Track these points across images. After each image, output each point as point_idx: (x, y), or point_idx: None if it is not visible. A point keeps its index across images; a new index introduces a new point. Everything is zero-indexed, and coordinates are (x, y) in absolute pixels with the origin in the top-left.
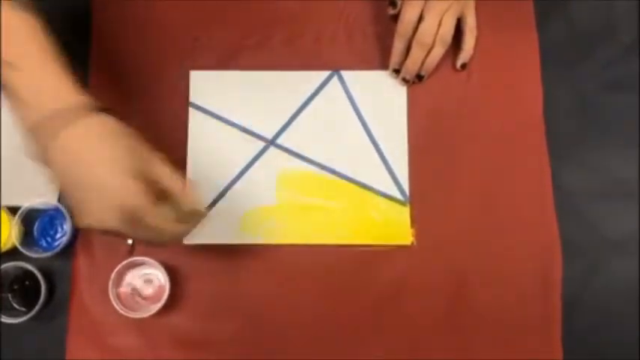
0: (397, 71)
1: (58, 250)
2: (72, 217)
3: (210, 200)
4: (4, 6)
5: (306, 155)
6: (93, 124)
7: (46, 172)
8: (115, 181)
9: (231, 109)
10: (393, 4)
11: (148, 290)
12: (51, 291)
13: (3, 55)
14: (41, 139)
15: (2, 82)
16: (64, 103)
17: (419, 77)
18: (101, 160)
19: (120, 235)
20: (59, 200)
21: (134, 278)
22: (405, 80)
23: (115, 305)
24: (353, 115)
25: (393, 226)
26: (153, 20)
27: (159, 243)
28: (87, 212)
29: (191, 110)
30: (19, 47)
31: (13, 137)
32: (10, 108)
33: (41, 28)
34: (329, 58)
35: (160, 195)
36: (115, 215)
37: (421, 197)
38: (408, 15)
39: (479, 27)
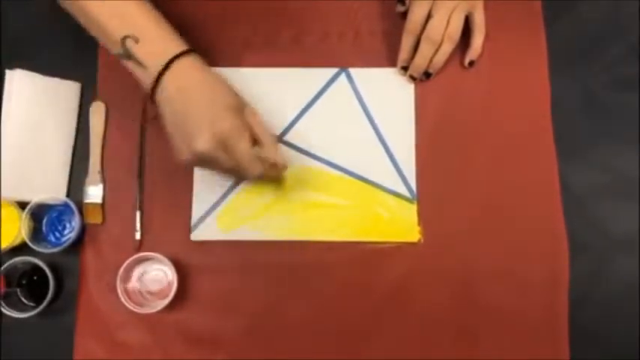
0: (405, 68)
1: (66, 245)
2: (176, 151)
3: (218, 197)
4: None
5: (313, 152)
6: (195, 61)
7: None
8: (215, 110)
9: None
10: (402, 2)
11: (156, 286)
12: (59, 286)
13: (126, 32)
14: (158, 92)
15: (127, 54)
16: (171, 53)
17: (427, 75)
18: (204, 94)
19: (210, 164)
20: (68, 195)
21: (142, 274)
22: (412, 78)
23: (123, 301)
24: (360, 113)
25: (400, 223)
26: None
27: (239, 176)
28: (189, 140)
29: None
30: (137, 23)
31: (22, 134)
32: (135, 74)
33: (148, 3)
34: (337, 56)
35: (251, 139)
36: (211, 140)
37: (428, 195)
38: (417, 12)
39: (487, 25)
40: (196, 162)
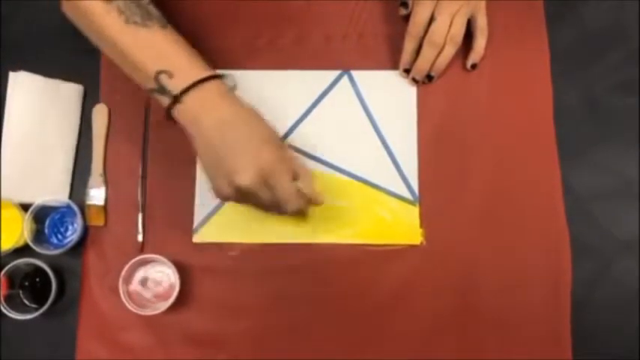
0: (407, 71)
1: (68, 247)
2: (215, 187)
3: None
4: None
5: (316, 154)
6: (222, 88)
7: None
8: (256, 144)
9: None
10: (405, 5)
11: (158, 288)
12: (61, 288)
13: (161, 67)
14: (190, 124)
15: (160, 87)
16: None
17: (429, 77)
18: (242, 127)
19: (251, 199)
20: (70, 197)
21: (144, 276)
22: (415, 80)
23: (126, 302)
24: (363, 115)
25: (402, 225)
26: None
27: (278, 211)
28: (230, 175)
29: None
30: (170, 59)
31: (25, 136)
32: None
33: (180, 38)
34: (339, 58)
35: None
36: (255, 175)
37: (431, 197)
38: (420, 15)
39: (489, 28)
40: (237, 197)
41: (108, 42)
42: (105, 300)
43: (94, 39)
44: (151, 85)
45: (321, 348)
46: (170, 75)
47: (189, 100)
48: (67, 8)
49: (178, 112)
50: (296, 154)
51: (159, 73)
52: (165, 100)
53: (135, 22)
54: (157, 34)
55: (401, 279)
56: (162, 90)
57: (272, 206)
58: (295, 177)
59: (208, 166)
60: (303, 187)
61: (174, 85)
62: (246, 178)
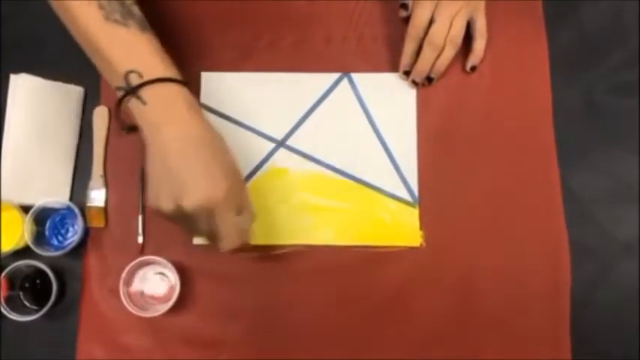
0: (407, 73)
1: (69, 249)
2: (155, 199)
3: None
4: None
5: (315, 156)
6: (186, 95)
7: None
8: (213, 173)
9: (242, 110)
10: (405, 7)
11: (159, 290)
12: (62, 289)
13: (132, 67)
14: (149, 129)
15: (128, 86)
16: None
17: (429, 79)
18: (204, 152)
19: (187, 223)
20: (71, 199)
21: (145, 277)
22: (414, 82)
23: (126, 304)
24: (363, 117)
25: (402, 227)
26: (163, 22)
27: (210, 240)
28: (177, 196)
29: None
30: (143, 60)
31: (25, 138)
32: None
33: (157, 42)
34: (339, 60)
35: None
36: (202, 205)
37: (430, 199)
38: (419, 17)
39: (489, 30)
40: (174, 216)
41: (83, 34)
42: (105, 302)
43: (73, 33)
44: (120, 83)
45: (321, 350)
46: (140, 75)
47: (153, 101)
48: (52, 2)
49: (140, 112)
50: (247, 189)
51: (129, 72)
52: (129, 101)
53: (115, 20)
54: (134, 35)
55: (400, 281)
56: (129, 89)
57: (206, 235)
58: (238, 212)
59: (155, 177)
60: (241, 223)
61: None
62: (192, 203)
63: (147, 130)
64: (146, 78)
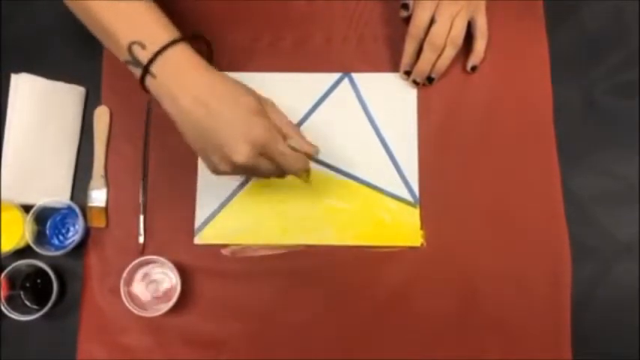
0: (408, 73)
1: (69, 248)
2: (210, 165)
3: (221, 201)
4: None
5: (316, 156)
6: (192, 54)
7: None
8: (243, 118)
9: None
10: (406, 7)
11: (159, 289)
12: (62, 289)
13: (134, 38)
14: (168, 101)
15: (133, 58)
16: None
17: (429, 79)
18: (225, 102)
19: (251, 172)
20: (72, 199)
21: (145, 277)
22: (415, 82)
23: (127, 304)
24: (363, 117)
25: (402, 227)
26: None
27: (280, 176)
28: (226, 154)
29: None
30: (144, 30)
31: (26, 137)
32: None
33: (157, 9)
34: (340, 60)
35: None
36: (251, 150)
37: (431, 199)
38: (420, 17)
39: (490, 30)
40: (236, 172)
41: (84, 11)
42: (106, 301)
43: (75, 10)
44: (125, 56)
45: (322, 350)
46: (142, 46)
47: (160, 73)
48: None
49: (154, 87)
50: (280, 110)
51: (132, 44)
52: (137, 73)
53: None
54: (134, 4)
55: (401, 281)
56: (135, 61)
57: (273, 173)
58: (284, 137)
59: (198, 149)
60: (295, 145)
61: (145, 56)
62: (241, 155)
63: (166, 103)
64: (149, 48)
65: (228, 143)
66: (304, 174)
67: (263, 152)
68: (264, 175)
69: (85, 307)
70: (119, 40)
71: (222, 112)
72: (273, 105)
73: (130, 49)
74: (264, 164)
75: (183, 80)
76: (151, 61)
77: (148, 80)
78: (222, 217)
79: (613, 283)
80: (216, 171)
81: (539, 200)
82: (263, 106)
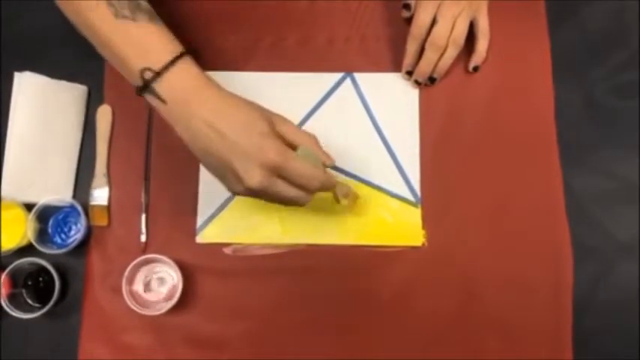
0: (410, 73)
1: (72, 247)
2: (227, 186)
3: (223, 200)
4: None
5: None
6: (197, 71)
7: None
8: (254, 140)
9: None
10: (407, 7)
11: (161, 288)
12: (64, 287)
13: (146, 64)
14: (182, 129)
15: (145, 84)
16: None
17: (431, 80)
18: (235, 125)
19: (271, 196)
20: (74, 197)
21: (147, 276)
22: (417, 82)
23: (129, 302)
24: (365, 117)
25: (404, 227)
26: (165, 22)
27: (302, 196)
28: (240, 178)
29: None
30: (154, 55)
31: (29, 136)
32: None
33: (168, 34)
34: (342, 60)
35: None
36: (263, 174)
37: (432, 199)
38: (422, 17)
39: (491, 30)
40: (253, 195)
41: (98, 37)
42: (108, 300)
43: (86, 34)
44: (138, 82)
45: (322, 349)
46: (153, 71)
47: (170, 99)
48: (60, 3)
49: (165, 113)
50: (294, 125)
51: (143, 70)
52: (152, 100)
53: (124, 16)
54: (144, 29)
55: (402, 280)
56: (147, 88)
57: (296, 195)
58: (295, 148)
59: (210, 167)
60: (304, 153)
61: (152, 79)
62: (255, 179)
63: (178, 129)
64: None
65: (241, 167)
66: (344, 199)
67: (279, 175)
68: (287, 198)
69: (86, 305)
70: (131, 66)
71: (234, 138)
72: (283, 120)
73: (142, 75)
74: (282, 186)
75: (192, 105)
76: (153, 79)
77: (160, 106)
78: (224, 216)
79: (613, 284)
80: (232, 191)
81: (540, 200)
82: (274, 125)
